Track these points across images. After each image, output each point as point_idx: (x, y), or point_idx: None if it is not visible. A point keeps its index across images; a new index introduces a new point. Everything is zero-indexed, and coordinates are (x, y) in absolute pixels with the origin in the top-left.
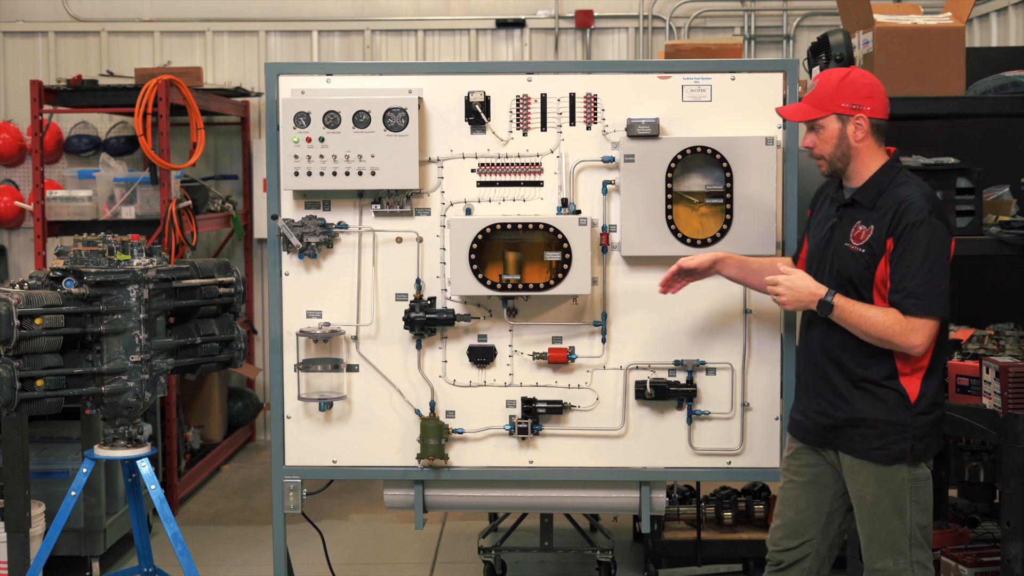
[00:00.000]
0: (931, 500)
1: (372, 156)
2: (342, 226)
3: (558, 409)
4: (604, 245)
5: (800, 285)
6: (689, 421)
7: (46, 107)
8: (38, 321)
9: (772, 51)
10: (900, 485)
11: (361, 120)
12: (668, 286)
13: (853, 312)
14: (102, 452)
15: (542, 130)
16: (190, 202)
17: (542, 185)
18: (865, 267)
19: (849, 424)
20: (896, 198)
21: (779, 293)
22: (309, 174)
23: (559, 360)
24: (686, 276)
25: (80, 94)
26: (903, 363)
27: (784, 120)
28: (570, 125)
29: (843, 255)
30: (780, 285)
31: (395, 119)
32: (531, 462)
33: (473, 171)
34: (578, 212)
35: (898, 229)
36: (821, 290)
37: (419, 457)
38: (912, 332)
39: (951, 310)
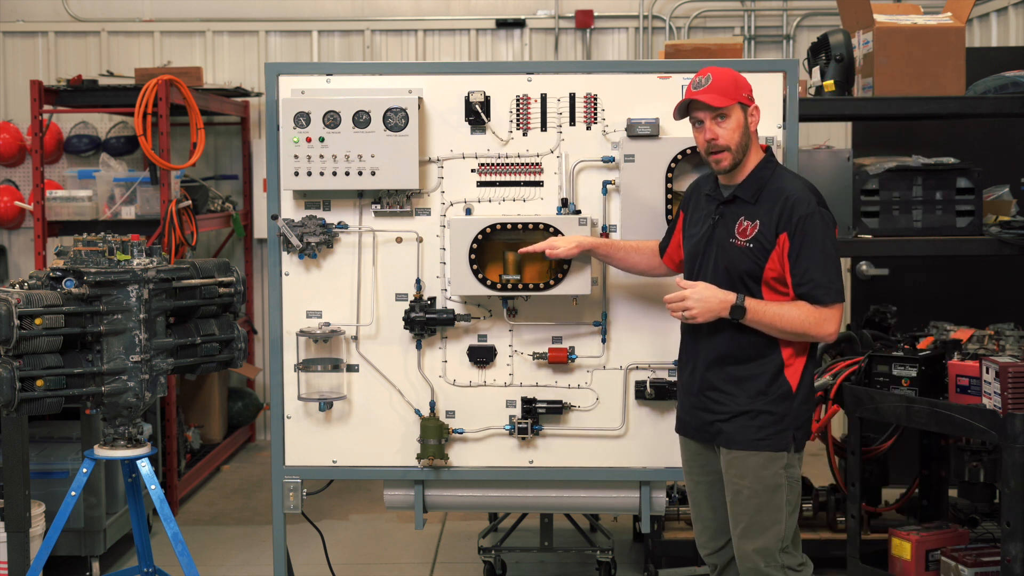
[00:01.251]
0: (799, 503)
1: (372, 156)
2: (342, 226)
3: (558, 409)
4: None
5: (708, 295)
6: None
7: (46, 107)
8: (38, 321)
9: (772, 51)
10: (776, 481)
11: (361, 120)
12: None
13: (766, 312)
14: (102, 452)
15: (542, 130)
16: (190, 202)
17: (542, 185)
18: (754, 262)
19: (733, 416)
20: (780, 193)
21: (688, 307)
22: (309, 174)
23: (559, 360)
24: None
25: (80, 94)
26: (788, 355)
27: (784, 123)
28: (570, 125)
29: (730, 251)
30: (688, 299)
31: (395, 119)
32: (531, 462)
33: (473, 171)
34: (578, 212)
35: (791, 223)
36: (730, 296)
37: (419, 457)
38: (826, 322)
39: (949, 309)
